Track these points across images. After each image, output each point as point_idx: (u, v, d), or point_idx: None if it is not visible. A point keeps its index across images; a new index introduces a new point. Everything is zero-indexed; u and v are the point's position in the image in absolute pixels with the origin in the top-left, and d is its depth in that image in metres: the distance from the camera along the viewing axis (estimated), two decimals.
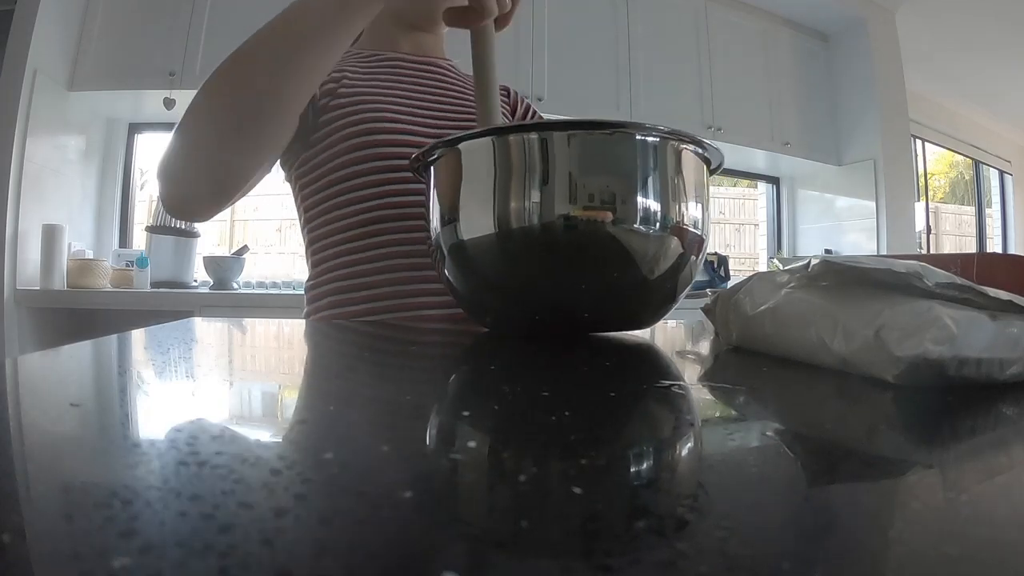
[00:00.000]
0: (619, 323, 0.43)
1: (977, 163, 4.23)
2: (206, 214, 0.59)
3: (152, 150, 2.41)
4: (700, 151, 0.42)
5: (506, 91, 0.82)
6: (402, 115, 0.67)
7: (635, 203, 0.38)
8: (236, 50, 0.52)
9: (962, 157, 4.21)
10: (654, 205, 0.38)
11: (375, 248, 0.64)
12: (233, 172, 0.55)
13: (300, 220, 0.72)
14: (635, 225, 0.38)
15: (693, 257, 0.41)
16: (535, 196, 0.37)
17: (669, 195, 0.39)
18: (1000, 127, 4.15)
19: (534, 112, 0.84)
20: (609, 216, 0.37)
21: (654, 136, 0.39)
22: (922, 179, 3.77)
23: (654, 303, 0.42)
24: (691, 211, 0.40)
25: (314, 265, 0.70)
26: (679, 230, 0.40)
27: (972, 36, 3.09)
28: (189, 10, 2.03)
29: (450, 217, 0.41)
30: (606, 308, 0.41)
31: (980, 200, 4.25)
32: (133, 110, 2.22)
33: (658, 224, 0.38)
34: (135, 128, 2.33)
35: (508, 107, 0.81)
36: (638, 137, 0.39)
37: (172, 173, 0.55)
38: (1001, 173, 4.31)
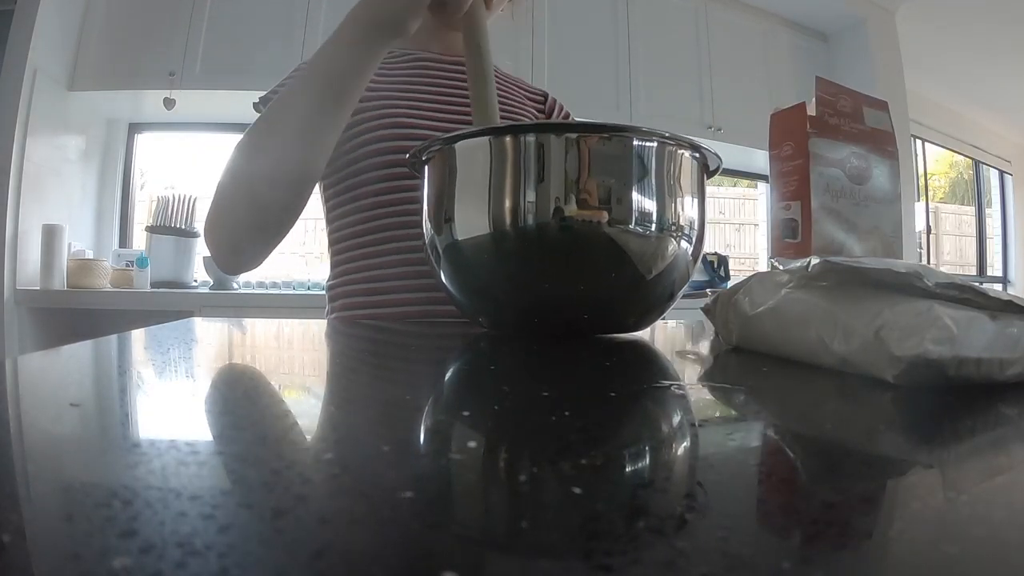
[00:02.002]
0: (616, 323, 0.43)
1: (977, 163, 4.23)
2: (257, 263, 0.61)
3: (152, 150, 2.42)
4: (697, 155, 0.42)
5: (543, 96, 0.80)
6: (422, 119, 0.66)
7: (630, 203, 0.38)
8: (262, 116, 0.56)
9: (962, 157, 4.20)
10: (649, 206, 0.38)
11: (388, 255, 0.64)
12: (280, 224, 0.58)
13: (324, 220, 0.72)
14: (630, 226, 0.38)
15: (689, 258, 0.41)
16: (530, 195, 0.37)
17: (665, 196, 0.39)
18: (1000, 127, 4.14)
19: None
20: (604, 216, 0.37)
21: (652, 141, 0.39)
22: (922, 179, 3.77)
23: (651, 303, 0.42)
24: (687, 212, 0.40)
25: (333, 267, 0.70)
26: (675, 231, 0.40)
27: (972, 36, 3.09)
28: (189, 10, 2.03)
29: (445, 217, 0.41)
30: (602, 308, 0.41)
31: (980, 200, 4.25)
32: (133, 110, 2.22)
33: (653, 225, 0.38)
34: (135, 128, 2.33)
35: (544, 115, 0.79)
36: (635, 141, 0.39)
37: (219, 235, 0.58)
38: (1001, 173, 4.31)
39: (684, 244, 0.40)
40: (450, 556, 0.09)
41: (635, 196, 0.38)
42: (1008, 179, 4.32)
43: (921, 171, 3.74)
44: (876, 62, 2.82)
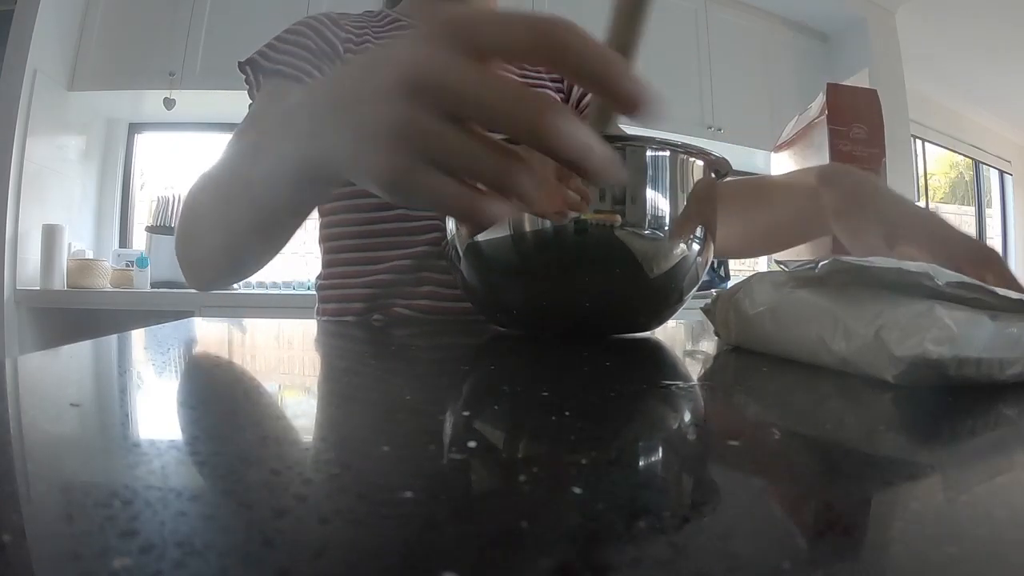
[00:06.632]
0: (627, 324, 0.45)
1: (977, 163, 4.22)
2: (230, 284, 0.55)
3: (152, 150, 2.42)
4: (708, 161, 0.43)
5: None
6: None
7: (644, 208, 0.39)
8: (190, 198, 0.50)
9: (962, 157, 4.20)
10: (662, 210, 0.40)
11: (390, 249, 0.63)
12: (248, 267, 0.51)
13: (318, 212, 0.70)
14: (643, 229, 0.39)
15: (699, 260, 0.43)
16: None
17: (677, 201, 0.40)
18: (1000, 127, 4.14)
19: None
20: (618, 220, 0.38)
21: (664, 151, 0.40)
22: (922, 179, 3.77)
23: (661, 305, 0.44)
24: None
25: (327, 265, 0.69)
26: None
27: (972, 36, 3.09)
28: (189, 10, 2.03)
29: None
30: (614, 310, 0.43)
31: (980, 200, 4.24)
32: (133, 110, 2.22)
33: (666, 228, 0.40)
34: (135, 128, 2.33)
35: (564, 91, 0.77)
36: (649, 152, 0.40)
37: (188, 265, 0.53)
38: (1001, 173, 4.30)
39: (695, 247, 0.42)
40: (450, 556, 0.09)
41: (647, 200, 0.40)
42: (1008, 179, 4.31)
43: (921, 171, 3.75)
44: (876, 62, 2.82)
